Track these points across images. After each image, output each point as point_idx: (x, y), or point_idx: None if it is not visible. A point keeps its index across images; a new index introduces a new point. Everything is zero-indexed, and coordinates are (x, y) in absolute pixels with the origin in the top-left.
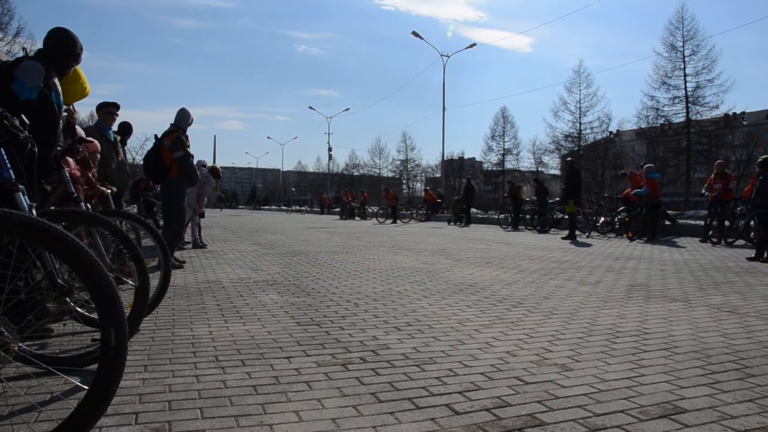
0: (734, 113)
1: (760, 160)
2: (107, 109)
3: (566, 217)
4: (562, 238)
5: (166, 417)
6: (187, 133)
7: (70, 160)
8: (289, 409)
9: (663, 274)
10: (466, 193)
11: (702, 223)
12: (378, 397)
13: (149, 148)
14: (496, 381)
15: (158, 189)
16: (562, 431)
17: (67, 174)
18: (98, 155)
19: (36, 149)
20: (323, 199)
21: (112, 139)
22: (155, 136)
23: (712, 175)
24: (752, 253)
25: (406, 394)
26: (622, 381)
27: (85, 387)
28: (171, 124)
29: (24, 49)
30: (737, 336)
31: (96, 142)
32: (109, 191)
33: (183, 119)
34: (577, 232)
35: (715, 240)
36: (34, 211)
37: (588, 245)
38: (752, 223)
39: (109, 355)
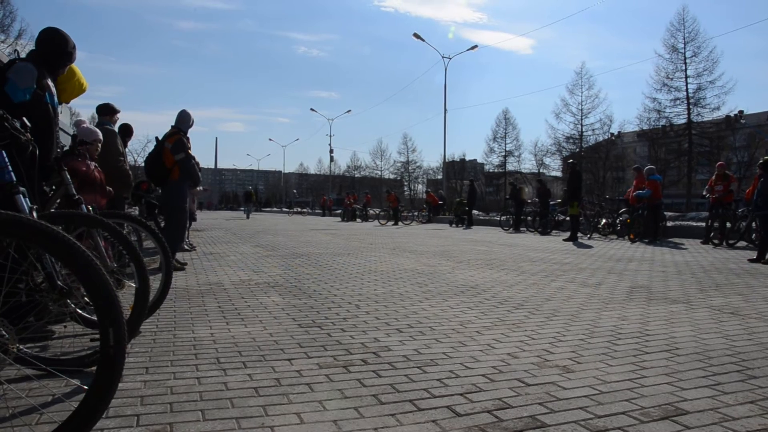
0: (735, 115)
1: (761, 161)
2: (116, 115)
3: (568, 218)
4: (564, 240)
5: (168, 419)
6: (189, 135)
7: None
8: (291, 411)
9: (664, 275)
10: (469, 195)
11: (703, 224)
12: (379, 398)
13: (150, 150)
14: (498, 383)
15: (160, 191)
16: None
17: (68, 176)
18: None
19: (37, 151)
20: (324, 201)
21: None
22: (156, 138)
23: (714, 177)
24: (754, 254)
25: (407, 395)
26: (624, 383)
27: (86, 388)
28: (172, 126)
29: (16, 51)
30: (739, 337)
31: (98, 132)
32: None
33: (184, 121)
34: (579, 234)
35: (716, 241)
36: (34, 214)
37: (589, 247)
38: (754, 224)
39: (108, 356)
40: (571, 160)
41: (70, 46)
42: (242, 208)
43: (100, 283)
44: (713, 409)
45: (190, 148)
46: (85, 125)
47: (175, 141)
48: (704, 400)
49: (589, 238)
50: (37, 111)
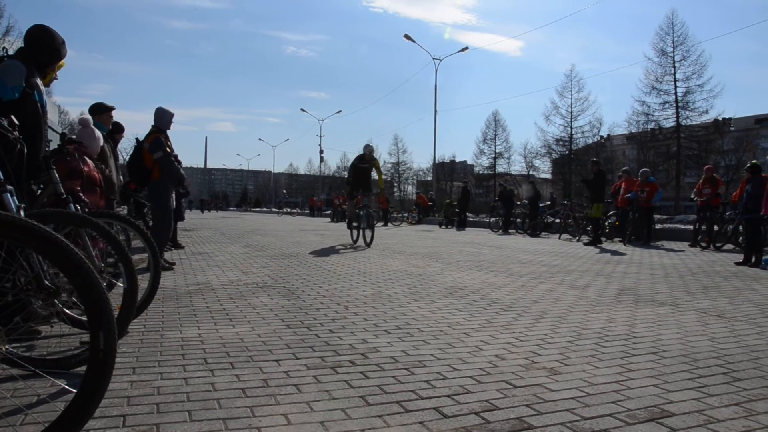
0: (723, 118)
1: (748, 165)
2: (108, 114)
3: (557, 220)
4: (585, 244)
5: (154, 420)
6: (168, 134)
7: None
8: (278, 412)
9: (652, 278)
10: (463, 197)
11: (691, 227)
12: (367, 400)
13: (131, 152)
14: (485, 384)
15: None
16: None
17: (56, 175)
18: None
19: (25, 150)
20: (313, 201)
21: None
22: (137, 139)
23: (701, 180)
24: (740, 257)
25: (395, 397)
26: (611, 385)
27: (72, 390)
28: (152, 126)
29: (4, 48)
30: (724, 340)
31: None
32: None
33: (160, 119)
34: (565, 236)
35: (703, 244)
36: (22, 212)
37: (577, 249)
38: (740, 227)
39: (98, 358)
40: (594, 159)
41: (57, 43)
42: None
43: (91, 284)
44: (698, 411)
45: (169, 146)
46: (90, 128)
47: (152, 140)
48: (690, 402)
49: (578, 241)
50: (25, 109)
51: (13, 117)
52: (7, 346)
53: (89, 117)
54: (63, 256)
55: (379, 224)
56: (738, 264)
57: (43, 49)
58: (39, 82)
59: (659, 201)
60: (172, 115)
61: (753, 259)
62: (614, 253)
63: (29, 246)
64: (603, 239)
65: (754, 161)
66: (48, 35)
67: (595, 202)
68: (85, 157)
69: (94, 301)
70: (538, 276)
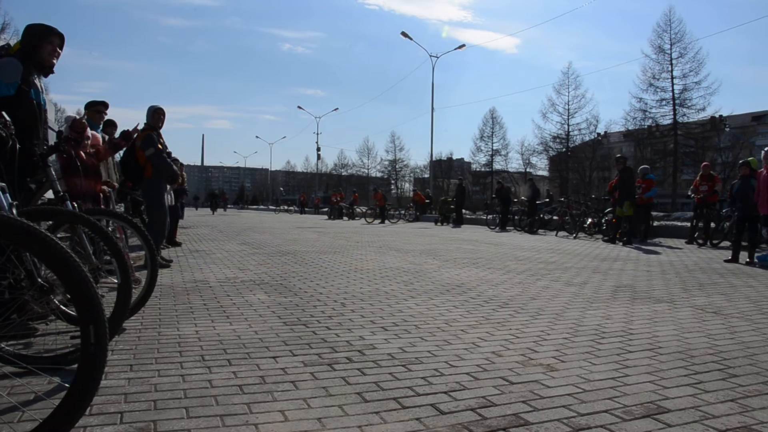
0: (720, 115)
1: (742, 162)
2: (96, 108)
3: (555, 218)
4: (604, 241)
5: (152, 416)
6: (161, 131)
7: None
8: (275, 409)
9: (649, 275)
10: (458, 194)
11: (688, 224)
12: (364, 396)
13: (125, 149)
14: (482, 381)
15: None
16: (547, 431)
17: (53, 173)
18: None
19: (18, 146)
20: (304, 198)
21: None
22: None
23: (698, 177)
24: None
25: (391, 393)
26: (607, 381)
27: (68, 386)
28: (144, 123)
29: (7, 44)
30: (721, 337)
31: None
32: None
33: (151, 116)
34: (562, 233)
35: (700, 241)
36: (14, 210)
37: (575, 246)
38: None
39: (89, 353)
40: (619, 155)
41: (52, 33)
42: None
43: (79, 280)
44: (694, 407)
45: (161, 143)
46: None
47: (144, 137)
48: (686, 399)
49: (575, 238)
50: (21, 106)
51: (4, 114)
52: (3, 345)
53: (72, 116)
54: (51, 253)
55: (376, 221)
56: (726, 261)
57: (40, 42)
58: (36, 80)
59: (654, 196)
60: (163, 112)
61: (747, 257)
62: (611, 250)
63: (17, 244)
64: (625, 238)
65: (751, 158)
66: (44, 30)
67: (625, 200)
68: (71, 152)
69: (83, 296)
70: (535, 273)
